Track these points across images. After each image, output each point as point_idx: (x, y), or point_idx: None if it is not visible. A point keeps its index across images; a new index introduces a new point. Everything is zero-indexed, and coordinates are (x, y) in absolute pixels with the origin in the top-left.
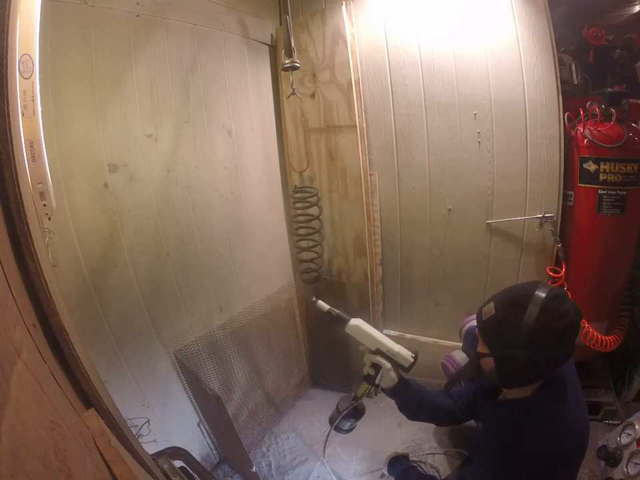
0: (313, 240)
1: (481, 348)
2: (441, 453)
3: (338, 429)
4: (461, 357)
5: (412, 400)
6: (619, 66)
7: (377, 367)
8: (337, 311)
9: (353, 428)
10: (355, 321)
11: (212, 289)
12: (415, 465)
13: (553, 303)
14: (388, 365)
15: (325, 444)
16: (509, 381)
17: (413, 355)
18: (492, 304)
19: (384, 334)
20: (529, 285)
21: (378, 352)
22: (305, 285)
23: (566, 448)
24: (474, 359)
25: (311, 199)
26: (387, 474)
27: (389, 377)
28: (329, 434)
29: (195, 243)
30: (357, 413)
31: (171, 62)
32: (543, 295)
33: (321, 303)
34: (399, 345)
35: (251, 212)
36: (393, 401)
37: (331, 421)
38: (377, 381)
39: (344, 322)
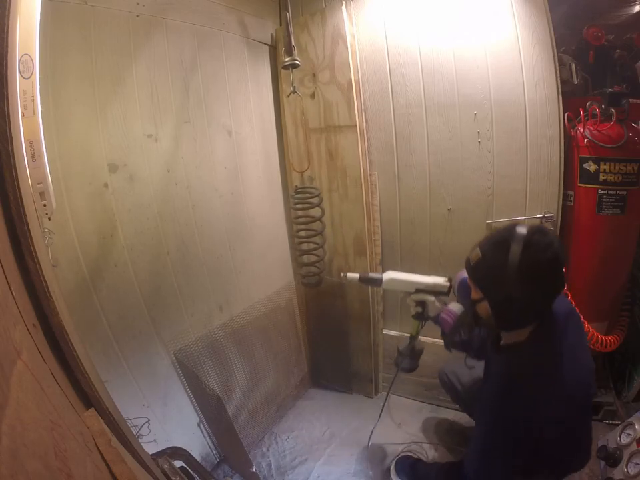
0: (315, 242)
1: (475, 294)
2: (442, 450)
3: (402, 368)
4: (457, 307)
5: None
6: (619, 66)
7: (421, 303)
8: (368, 275)
9: (415, 368)
10: (387, 275)
11: (212, 288)
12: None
13: (535, 237)
14: (431, 297)
15: (390, 388)
16: (505, 323)
17: (447, 279)
18: (477, 249)
19: (384, 333)
20: (510, 225)
21: (418, 291)
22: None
23: (564, 392)
24: (469, 306)
25: (312, 200)
26: (397, 478)
27: (435, 307)
28: (395, 375)
29: (194, 243)
30: (416, 352)
31: (171, 62)
32: (525, 231)
33: (349, 275)
34: (431, 277)
35: (250, 212)
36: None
37: (397, 364)
38: (425, 315)
39: (378, 281)
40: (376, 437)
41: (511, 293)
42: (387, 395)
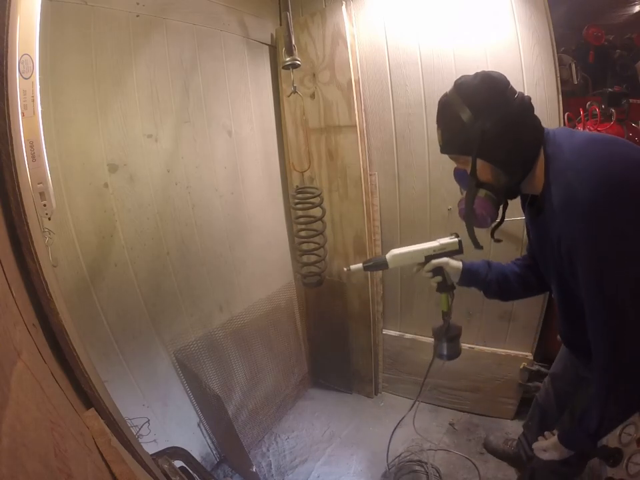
0: (316, 242)
1: (465, 165)
2: (442, 451)
3: (442, 356)
4: (464, 195)
5: (487, 276)
6: (619, 66)
7: (438, 270)
8: (371, 261)
9: (458, 353)
10: (390, 255)
11: (212, 288)
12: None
13: (460, 79)
14: (444, 259)
15: (426, 377)
16: (510, 167)
17: (453, 235)
18: (437, 130)
19: (384, 333)
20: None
21: (428, 259)
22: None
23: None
24: (470, 179)
25: (313, 200)
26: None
27: (453, 268)
28: (431, 363)
29: (195, 243)
30: (452, 332)
31: (171, 62)
32: (458, 80)
33: (352, 267)
34: (437, 240)
35: (250, 212)
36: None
37: (435, 351)
38: (448, 282)
39: (384, 264)
40: (376, 437)
41: (490, 130)
42: (420, 391)
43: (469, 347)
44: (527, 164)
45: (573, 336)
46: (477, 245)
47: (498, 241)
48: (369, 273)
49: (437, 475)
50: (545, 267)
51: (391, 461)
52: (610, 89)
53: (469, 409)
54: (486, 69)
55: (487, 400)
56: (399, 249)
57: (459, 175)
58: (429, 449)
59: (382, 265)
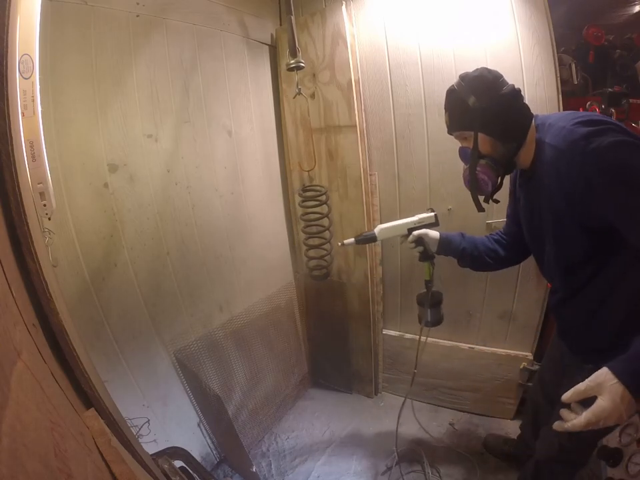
0: (323, 238)
1: (469, 142)
2: (442, 451)
3: (427, 323)
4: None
5: (460, 244)
6: (619, 66)
7: (419, 241)
8: (362, 235)
9: (440, 320)
10: (378, 229)
11: (212, 288)
12: None
13: (467, 72)
14: (424, 230)
15: (418, 350)
16: (505, 139)
17: (429, 209)
18: (444, 115)
19: (384, 333)
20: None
21: (410, 231)
22: (307, 283)
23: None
24: (473, 152)
25: (320, 197)
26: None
27: (431, 239)
28: (421, 332)
29: (195, 243)
30: (436, 299)
31: (171, 62)
32: (462, 74)
33: (345, 241)
34: (417, 215)
35: (251, 212)
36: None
37: (420, 319)
38: (429, 253)
39: (373, 238)
40: (376, 437)
41: (488, 108)
42: (419, 340)
43: (469, 347)
44: (520, 136)
45: (566, 294)
46: (480, 208)
47: (496, 201)
48: (369, 272)
49: (437, 474)
50: (532, 234)
51: (391, 461)
52: (610, 89)
53: (468, 409)
54: None
55: (486, 400)
56: (386, 224)
57: (463, 152)
58: (429, 449)
59: (372, 238)
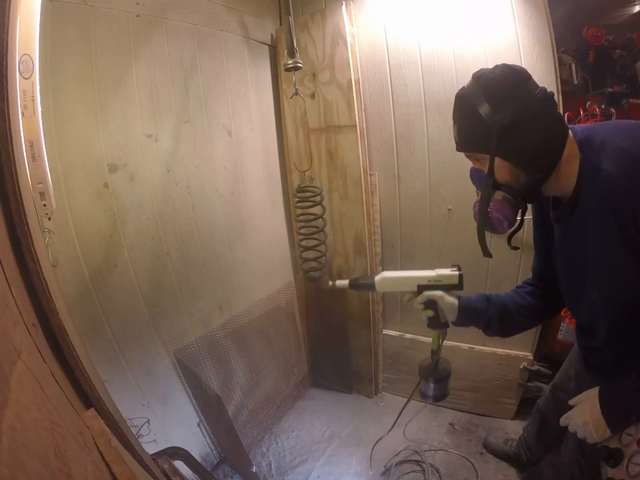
0: (317, 239)
1: (481, 164)
2: (442, 451)
3: (427, 397)
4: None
5: (487, 311)
6: (619, 66)
7: (431, 303)
8: (359, 280)
9: (445, 395)
10: (380, 277)
11: (212, 288)
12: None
13: (479, 72)
14: (439, 292)
15: (401, 412)
16: (531, 166)
17: (455, 267)
18: (453, 127)
19: (384, 333)
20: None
21: (421, 289)
22: (307, 283)
23: None
24: (487, 179)
25: (314, 198)
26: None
27: (447, 304)
28: (408, 401)
29: (195, 243)
30: (441, 373)
31: (171, 62)
32: (476, 73)
33: (338, 282)
34: (435, 270)
35: (250, 212)
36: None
37: (421, 392)
38: (442, 319)
39: (370, 285)
40: (376, 437)
41: (506, 124)
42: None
43: (469, 347)
44: (551, 162)
45: (610, 336)
46: (486, 253)
47: (515, 248)
48: (369, 272)
49: (437, 474)
50: (571, 276)
51: (391, 461)
52: (610, 89)
53: (468, 409)
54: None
55: (486, 400)
56: (392, 272)
57: (475, 175)
58: (429, 449)
59: (369, 286)
